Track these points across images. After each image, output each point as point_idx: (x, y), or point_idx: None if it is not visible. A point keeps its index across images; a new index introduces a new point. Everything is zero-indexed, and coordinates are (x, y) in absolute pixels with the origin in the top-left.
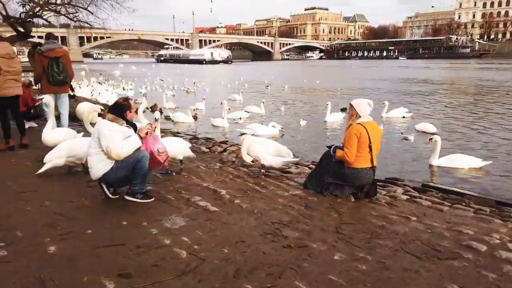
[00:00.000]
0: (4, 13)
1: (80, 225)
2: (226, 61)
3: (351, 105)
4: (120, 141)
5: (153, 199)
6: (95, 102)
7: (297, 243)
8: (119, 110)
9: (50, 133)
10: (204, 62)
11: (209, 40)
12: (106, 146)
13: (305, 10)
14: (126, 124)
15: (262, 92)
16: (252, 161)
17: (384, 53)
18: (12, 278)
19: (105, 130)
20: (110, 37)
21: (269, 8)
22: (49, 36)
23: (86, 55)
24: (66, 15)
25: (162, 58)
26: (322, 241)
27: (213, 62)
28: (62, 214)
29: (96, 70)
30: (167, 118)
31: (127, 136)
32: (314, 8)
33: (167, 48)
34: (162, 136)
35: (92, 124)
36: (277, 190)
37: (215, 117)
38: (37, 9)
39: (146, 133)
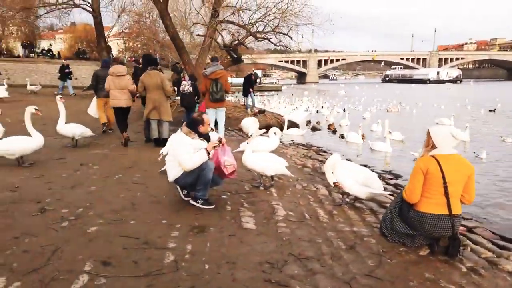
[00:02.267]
0: (221, 42)
1: (133, 215)
2: (454, 81)
3: (428, 132)
4: (189, 154)
5: (212, 206)
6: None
7: (282, 281)
8: (193, 124)
9: None
10: (428, 82)
11: (450, 58)
12: (178, 157)
13: None
14: (200, 136)
15: (484, 117)
16: (335, 184)
17: None
18: (43, 243)
19: (177, 143)
20: (344, 59)
21: None
22: (213, 59)
23: (325, 76)
24: (270, 39)
25: (388, 78)
26: (314, 287)
27: (439, 82)
28: (134, 204)
29: (322, 90)
30: (342, 136)
31: (198, 149)
32: None
33: (394, 68)
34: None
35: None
36: (341, 223)
37: (374, 140)
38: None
39: (214, 147)
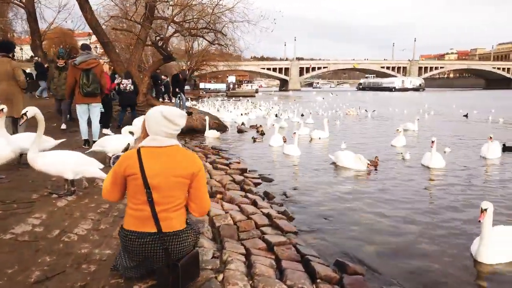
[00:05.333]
0: (149, 39)
1: None
2: (417, 89)
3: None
4: None
5: None
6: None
7: None
8: None
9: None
10: (393, 89)
11: (430, 67)
12: None
13: None
14: None
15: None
16: None
17: None
18: None
19: None
20: (326, 67)
21: None
22: (84, 48)
23: (310, 84)
24: (204, 37)
25: (361, 86)
26: None
27: (403, 89)
28: None
29: (297, 96)
30: (254, 140)
31: None
32: None
33: (367, 77)
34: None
35: None
36: (86, 242)
37: (289, 144)
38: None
39: None
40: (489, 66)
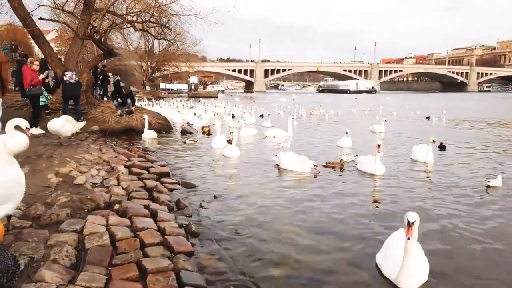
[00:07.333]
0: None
1: None
2: (370, 91)
3: None
4: None
5: None
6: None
7: None
8: None
9: None
10: (348, 91)
11: (390, 70)
12: None
13: None
14: None
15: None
16: None
17: None
18: None
19: None
20: (291, 69)
21: (471, 35)
22: None
23: (276, 87)
24: (145, 30)
25: (321, 89)
26: None
27: (358, 92)
28: None
29: (261, 97)
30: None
31: None
32: None
33: (326, 80)
34: None
35: None
36: None
37: (230, 148)
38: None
39: None
40: (444, 70)
